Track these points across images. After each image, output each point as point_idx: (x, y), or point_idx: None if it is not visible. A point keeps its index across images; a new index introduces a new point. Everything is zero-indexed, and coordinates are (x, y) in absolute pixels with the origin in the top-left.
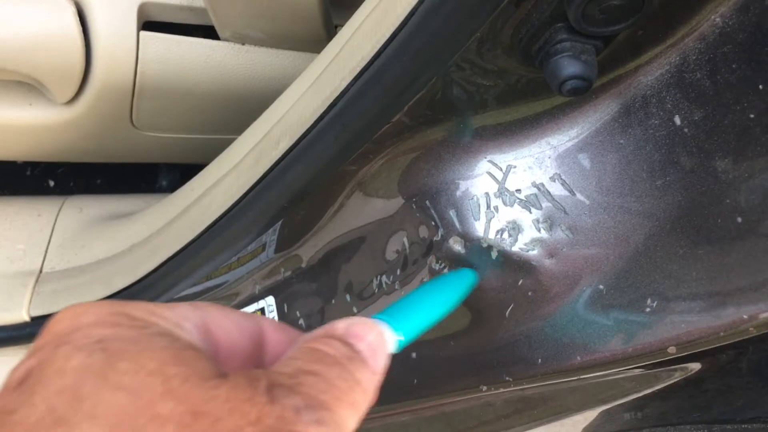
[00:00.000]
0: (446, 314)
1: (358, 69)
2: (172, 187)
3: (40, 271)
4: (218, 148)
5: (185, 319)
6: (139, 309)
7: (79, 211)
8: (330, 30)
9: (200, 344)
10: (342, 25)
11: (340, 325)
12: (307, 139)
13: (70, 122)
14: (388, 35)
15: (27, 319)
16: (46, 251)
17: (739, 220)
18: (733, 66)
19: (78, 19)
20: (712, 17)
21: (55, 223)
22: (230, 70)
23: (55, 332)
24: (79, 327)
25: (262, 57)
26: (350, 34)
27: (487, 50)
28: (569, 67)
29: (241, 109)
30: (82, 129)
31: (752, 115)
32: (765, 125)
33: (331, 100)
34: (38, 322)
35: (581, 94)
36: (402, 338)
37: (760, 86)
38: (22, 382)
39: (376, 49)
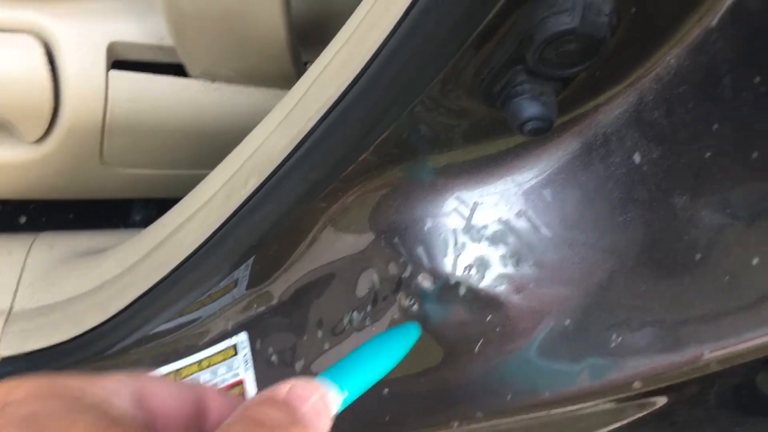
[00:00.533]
0: (391, 368)
1: (324, 109)
2: (146, 222)
3: (10, 311)
4: (190, 182)
5: (120, 389)
6: (74, 381)
7: (49, 249)
8: (299, 67)
9: (135, 414)
10: (311, 62)
11: (282, 388)
12: (276, 177)
13: (39, 160)
14: (352, 77)
15: None
16: (16, 290)
17: (698, 256)
18: (689, 106)
19: (46, 59)
20: (667, 58)
21: (25, 262)
22: (201, 107)
23: None
24: (9, 402)
25: (232, 94)
26: (317, 75)
27: (449, 91)
28: (529, 109)
29: (212, 145)
30: (51, 167)
31: (708, 155)
32: (720, 164)
33: (298, 140)
34: (9, 362)
35: (542, 134)
36: (346, 395)
37: (714, 126)
38: None
39: (341, 91)
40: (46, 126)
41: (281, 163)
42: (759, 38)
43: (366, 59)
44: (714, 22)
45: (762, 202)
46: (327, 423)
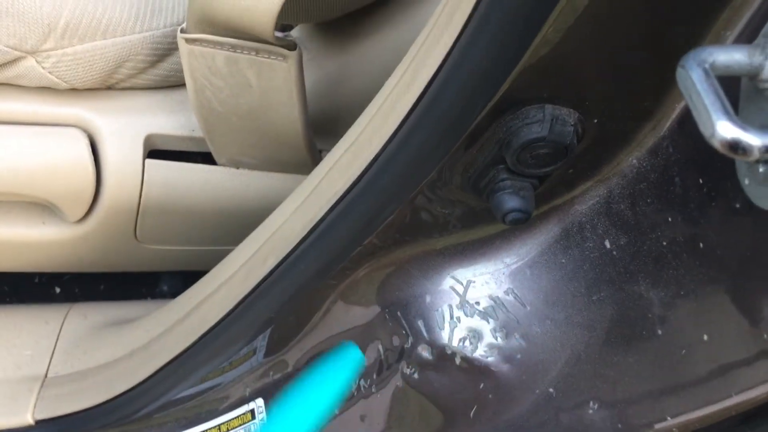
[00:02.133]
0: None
1: (334, 200)
2: (173, 292)
3: (45, 376)
4: (215, 257)
5: None
6: None
7: (83, 318)
8: (315, 154)
9: None
10: (325, 150)
11: None
12: (291, 259)
13: (79, 238)
14: (356, 175)
15: (31, 422)
16: (51, 357)
17: (659, 332)
18: (648, 200)
19: (90, 149)
20: (630, 159)
21: (60, 330)
22: (226, 191)
23: None
24: None
25: (255, 179)
26: (327, 170)
27: (443, 185)
28: (510, 202)
29: (236, 224)
30: (89, 244)
31: (665, 243)
32: (675, 252)
33: (311, 226)
34: (42, 425)
35: (521, 223)
36: None
37: (669, 218)
38: None
39: (347, 186)
40: (87, 208)
41: (296, 245)
42: (701, 146)
43: (367, 162)
44: (665, 131)
45: (708, 285)
46: None
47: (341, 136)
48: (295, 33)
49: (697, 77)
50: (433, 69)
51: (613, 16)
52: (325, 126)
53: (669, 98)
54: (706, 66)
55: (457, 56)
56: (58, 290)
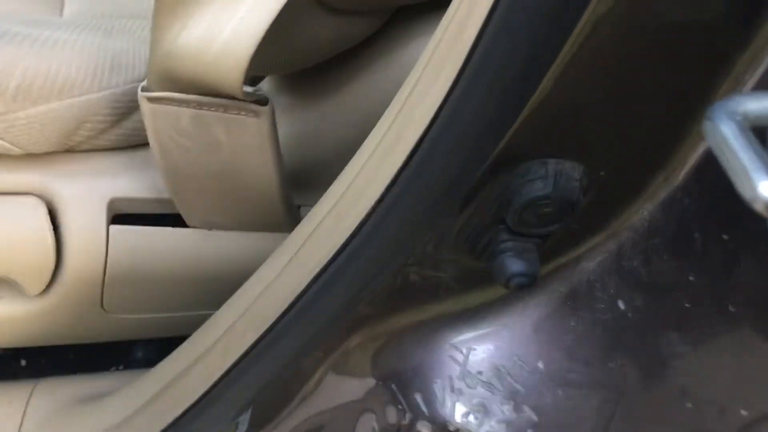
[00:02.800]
0: None
1: (316, 270)
2: (147, 359)
3: None
4: (191, 322)
5: None
6: None
7: (50, 396)
8: (293, 212)
9: None
10: (304, 206)
11: None
12: (272, 334)
13: (41, 313)
14: (341, 243)
15: None
16: None
17: (689, 405)
18: (665, 257)
19: (49, 218)
20: (641, 212)
21: (25, 411)
22: (199, 254)
23: None
24: None
25: (229, 241)
26: (308, 234)
27: (435, 248)
28: (513, 266)
29: (211, 288)
30: (53, 318)
31: (688, 305)
32: (701, 315)
33: (292, 299)
34: None
35: (526, 287)
36: None
37: (691, 278)
38: None
39: (331, 255)
40: (48, 281)
41: (277, 319)
42: (723, 198)
43: (354, 226)
44: (679, 182)
45: (743, 353)
46: None
47: (320, 190)
48: (264, 85)
49: (730, 132)
50: (422, 127)
51: (622, 63)
52: (302, 180)
53: (682, 147)
54: (738, 118)
55: (448, 112)
56: (24, 363)
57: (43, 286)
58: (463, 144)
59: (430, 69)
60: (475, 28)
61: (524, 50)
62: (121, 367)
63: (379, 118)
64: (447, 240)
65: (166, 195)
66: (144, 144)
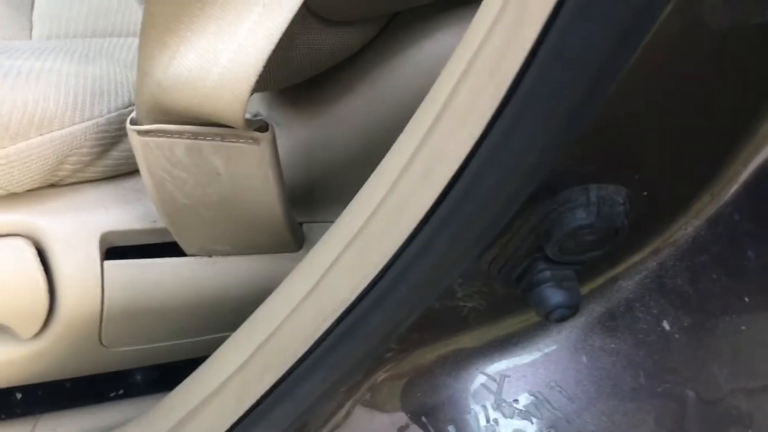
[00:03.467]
0: None
1: (340, 311)
2: (147, 382)
3: None
4: (192, 348)
5: None
6: None
7: None
8: (296, 232)
9: None
10: (306, 222)
11: None
12: (294, 376)
13: (36, 354)
14: (365, 284)
15: None
16: None
17: None
18: (713, 276)
19: (38, 258)
20: (685, 228)
21: None
22: (199, 283)
23: None
24: None
25: (231, 266)
26: (325, 268)
27: (466, 280)
28: (554, 297)
29: (213, 315)
30: (49, 358)
31: (743, 327)
32: (758, 340)
33: (314, 340)
34: None
35: (568, 319)
36: None
37: (746, 298)
38: None
39: (355, 296)
40: (42, 323)
41: (298, 360)
42: None
43: (380, 266)
44: (729, 197)
45: None
46: None
47: (323, 206)
48: (255, 98)
49: None
50: (458, 161)
51: (672, 80)
52: (303, 196)
53: (731, 162)
54: None
55: (490, 147)
56: (19, 396)
57: (38, 329)
58: (507, 180)
59: (459, 103)
60: (521, 53)
61: (583, 79)
62: (120, 393)
63: (381, 129)
64: (480, 271)
65: (160, 224)
66: (133, 172)
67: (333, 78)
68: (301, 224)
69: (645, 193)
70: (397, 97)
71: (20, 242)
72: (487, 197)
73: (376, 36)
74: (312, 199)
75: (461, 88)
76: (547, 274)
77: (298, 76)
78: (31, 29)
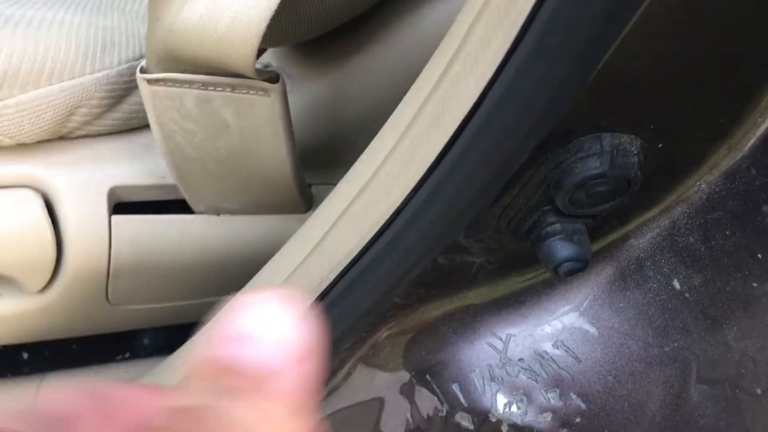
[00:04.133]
0: None
1: (346, 262)
2: (155, 345)
3: None
4: (200, 309)
5: None
6: None
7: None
8: (305, 193)
9: None
10: (316, 184)
11: None
12: None
13: (43, 309)
14: (373, 233)
15: None
16: None
17: (759, 391)
18: (727, 232)
19: (46, 210)
20: (698, 184)
21: None
22: (207, 241)
23: None
24: None
25: (239, 225)
26: (332, 222)
27: (474, 234)
28: (563, 250)
29: (221, 275)
30: (56, 313)
31: (755, 284)
32: None
33: (319, 292)
34: None
35: (578, 273)
36: None
37: (759, 255)
38: None
39: (362, 246)
40: (49, 276)
41: None
42: None
43: (387, 215)
44: (746, 150)
45: None
46: None
47: (334, 168)
48: (268, 55)
49: None
50: (469, 104)
51: (687, 25)
52: (313, 158)
53: (750, 114)
54: None
55: (502, 88)
56: (25, 356)
57: (45, 282)
58: (519, 123)
59: (472, 44)
60: None
61: (596, 17)
62: (127, 356)
63: (396, 88)
64: (487, 222)
65: (169, 180)
66: (143, 127)
67: (346, 35)
68: (310, 186)
69: (660, 145)
70: (410, 55)
71: (28, 193)
72: (497, 141)
73: None
74: (322, 160)
75: (475, 30)
76: (557, 227)
77: (310, 31)
78: None
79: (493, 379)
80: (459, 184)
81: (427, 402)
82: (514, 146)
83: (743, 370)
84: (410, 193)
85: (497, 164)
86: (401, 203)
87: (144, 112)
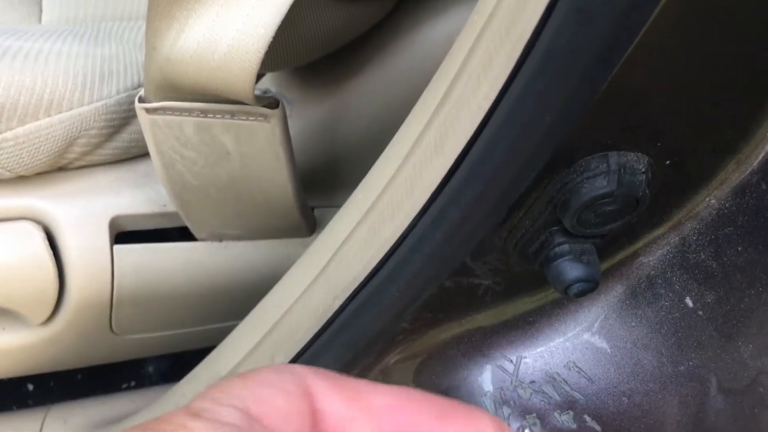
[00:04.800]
0: None
1: (351, 289)
2: (160, 373)
3: None
4: (204, 337)
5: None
6: None
7: (63, 424)
8: (308, 216)
9: None
10: (318, 207)
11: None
12: (304, 359)
13: (47, 341)
14: (378, 259)
15: None
16: None
17: None
18: (739, 248)
19: (47, 242)
20: (708, 200)
21: None
22: (209, 268)
23: None
24: None
25: (242, 251)
26: (336, 248)
27: (481, 256)
28: (573, 271)
29: (224, 301)
30: (60, 345)
31: None
32: None
33: (325, 320)
34: None
35: (588, 293)
36: None
37: None
38: None
39: (367, 272)
40: (52, 308)
41: (309, 341)
42: None
43: (392, 241)
44: (755, 165)
45: None
46: None
47: (336, 190)
48: (266, 81)
49: None
50: (472, 128)
51: (694, 42)
52: (315, 180)
53: (757, 128)
54: None
55: (506, 110)
56: (31, 387)
57: (48, 314)
58: (524, 146)
59: (474, 66)
60: (538, 9)
61: (600, 36)
62: (132, 384)
63: (395, 109)
64: (494, 245)
65: (170, 208)
66: (143, 155)
67: (344, 58)
68: (312, 209)
69: (667, 162)
70: (410, 76)
71: (29, 226)
72: (501, 163)
73: (387, 15)
74: (324, 182)
75: (476, 52)
76: (566, 247)
77: (308, 56)
78: (40, 14)
79: (504, 402)
80: (464, 208)
81: None
82: (519, 168)
83: (761, 389)
84: (415, 218)
85: (503, 186)
86: (406, 228)
87: (144, 140)
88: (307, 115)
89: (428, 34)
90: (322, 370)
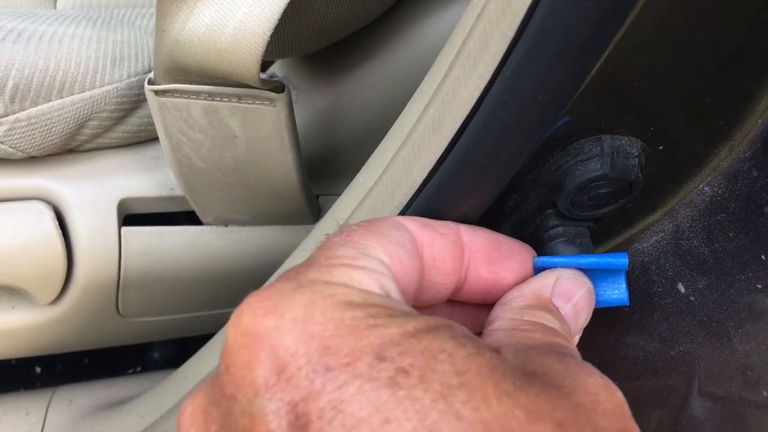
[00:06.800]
0: None
1: None
2: (165, 359)
3: None
4: (210, 321)
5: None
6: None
7: (68, 404)
8: (312, 203)
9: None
10: (323, 194)
11: (547, 282)
12: None
13: (54, 321)
14: None
15: None
16: None
17: (765, 394)
18: (730, 234)
19: (57, 223)
20: (701, 186)
21: (44, 421)
22: (215, 252)
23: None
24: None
25: (247, 235)
26: (335, 230)
27: None
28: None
29: (230, 285)
30: (67, 325)
31: (759, 286)
32: None
33: None
34: None
35: None
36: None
37: (762, 256)
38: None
39: None
40: (60, 288)
41: None
42: None
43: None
44: (747, 152)
45: None
46: (586, 320)
47: (340, 179)
48: (275, 68)
49: None
50: (468, 107)
51: (687, 24)
52: (319, 168)
53: (749, 114)
54: None
55: (500, 90)
56: (38, 370)
57: (55, 294)
58: (518, 126)
59: (472, 46)
60: None
61: (591, 14)
62: (138, 369)
63: (401, 98)
64: (490, 227)
65: (178, 192)
66: (152, 139)
67: (351, 47)
68: (317, 197)
69: (660, 147)
70: (416, 67)
71: (40, 206)
72: (496, 143)
73: (395, 4)
74: (328, 170)
75: (473, 33)
76: (560, 230)
77: (314, 45)
78: (55, 1)
79: None
80: (457, 188)
81: None
82: (514, 148)
83: (749, 372)
84: (412, 197)
85: (497, 167)
86: (403, 208)
87: (153, 125)
88: (312, 103)
89: (435, 25)
90: None
